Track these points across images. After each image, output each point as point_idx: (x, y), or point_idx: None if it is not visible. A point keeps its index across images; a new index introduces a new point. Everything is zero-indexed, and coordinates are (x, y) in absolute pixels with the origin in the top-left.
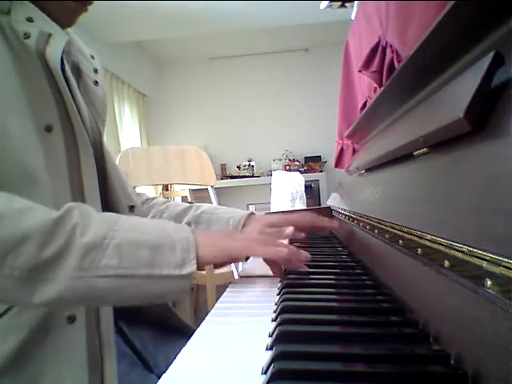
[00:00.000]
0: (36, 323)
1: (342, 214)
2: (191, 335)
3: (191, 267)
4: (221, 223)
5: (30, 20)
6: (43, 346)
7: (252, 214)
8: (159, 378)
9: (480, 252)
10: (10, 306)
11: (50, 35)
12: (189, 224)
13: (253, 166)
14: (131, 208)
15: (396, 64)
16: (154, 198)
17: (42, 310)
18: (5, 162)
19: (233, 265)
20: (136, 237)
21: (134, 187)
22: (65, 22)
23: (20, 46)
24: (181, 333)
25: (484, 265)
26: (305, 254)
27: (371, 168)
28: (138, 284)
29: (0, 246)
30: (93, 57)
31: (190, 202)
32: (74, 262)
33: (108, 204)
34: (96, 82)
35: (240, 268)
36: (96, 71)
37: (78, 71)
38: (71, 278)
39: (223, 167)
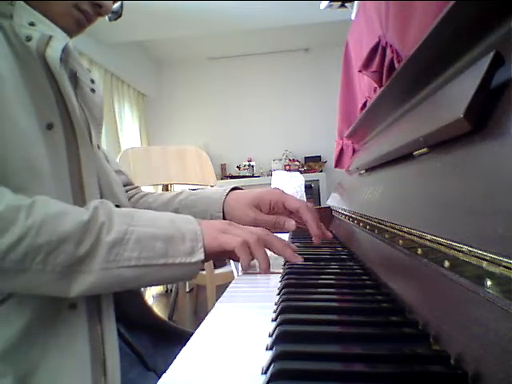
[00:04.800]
0: (37, 309)
1: (342, 213)
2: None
3: (200, 255)
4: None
5: (32, 24)
6: (45, 332)
7: (234, 189)
8: (159, 377)
9: (480, 252)
10: (11, 293)
11: (50, 37)
12: (176, 210)
13: (253, 166)
14: (116, 207)
15: (396, 64)
16: (147, 194)
17: (42, 297)
18: (11, 152)
19: (233, 265)
20: (151, 231)
21: (136, 187)
22: (68, 29)
23: (22, 49)
24: (180, 338)
25: (484, 265)
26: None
27: (371, 168)
28: (156, 271)
29: (44, 247)
30: (89, 70)
31: None
32: (103, 255)
33: None
34: (93, 90)
35: (240, 268)
36: (93, 81)
37: (75, 79)
38: (101, 270)
39: (223, 167)
